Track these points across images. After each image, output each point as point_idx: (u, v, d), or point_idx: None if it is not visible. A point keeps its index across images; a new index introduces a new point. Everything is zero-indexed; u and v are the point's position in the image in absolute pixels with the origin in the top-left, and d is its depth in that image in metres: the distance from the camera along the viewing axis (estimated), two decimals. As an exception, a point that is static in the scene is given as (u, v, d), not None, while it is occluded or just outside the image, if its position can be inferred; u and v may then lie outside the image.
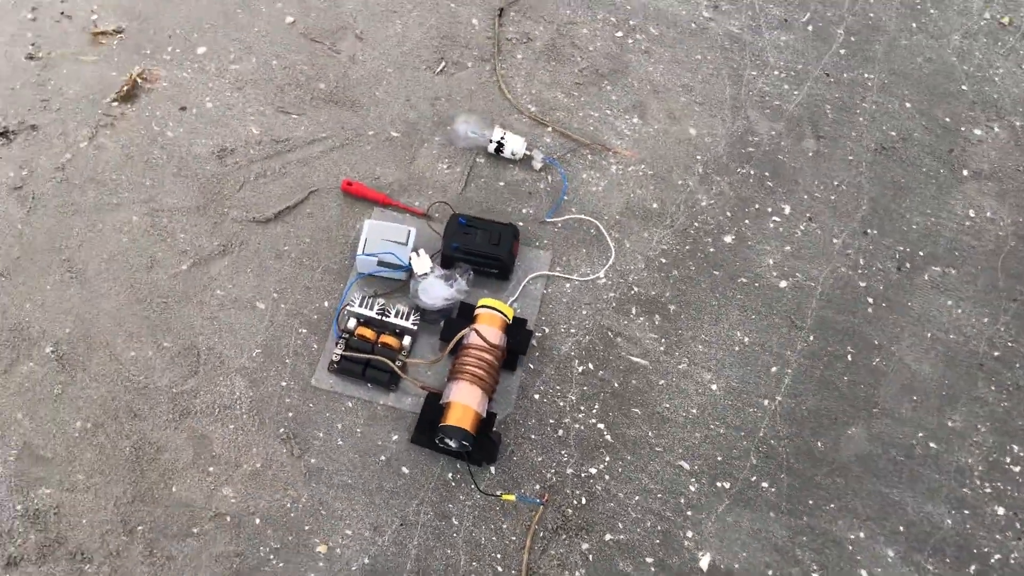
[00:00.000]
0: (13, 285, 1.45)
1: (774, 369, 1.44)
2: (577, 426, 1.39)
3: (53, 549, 1.27)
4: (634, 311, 1.49)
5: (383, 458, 1.35)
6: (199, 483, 1.32)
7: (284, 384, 1.40)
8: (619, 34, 1.78)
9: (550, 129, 1.65)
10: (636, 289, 1.51)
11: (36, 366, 1.39)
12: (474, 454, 1.32)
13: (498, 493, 1.32)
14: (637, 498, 1.34)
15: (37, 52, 1.68)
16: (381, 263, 1.44)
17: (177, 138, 1.60)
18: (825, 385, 1.43)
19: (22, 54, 1.68)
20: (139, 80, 1.65)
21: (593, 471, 1.36)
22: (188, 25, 1.74)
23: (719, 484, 1.35)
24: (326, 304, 1.47)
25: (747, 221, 1.58)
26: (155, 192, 1.55)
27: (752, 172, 1.63)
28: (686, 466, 1.37)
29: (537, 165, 1.59)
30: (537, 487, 1.34)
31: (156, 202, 1.54)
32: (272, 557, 1.28)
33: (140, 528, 1.29)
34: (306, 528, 1.30)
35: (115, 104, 1.63)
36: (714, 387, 1.43)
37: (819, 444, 1.39)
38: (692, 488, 1.35)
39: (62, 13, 1.74)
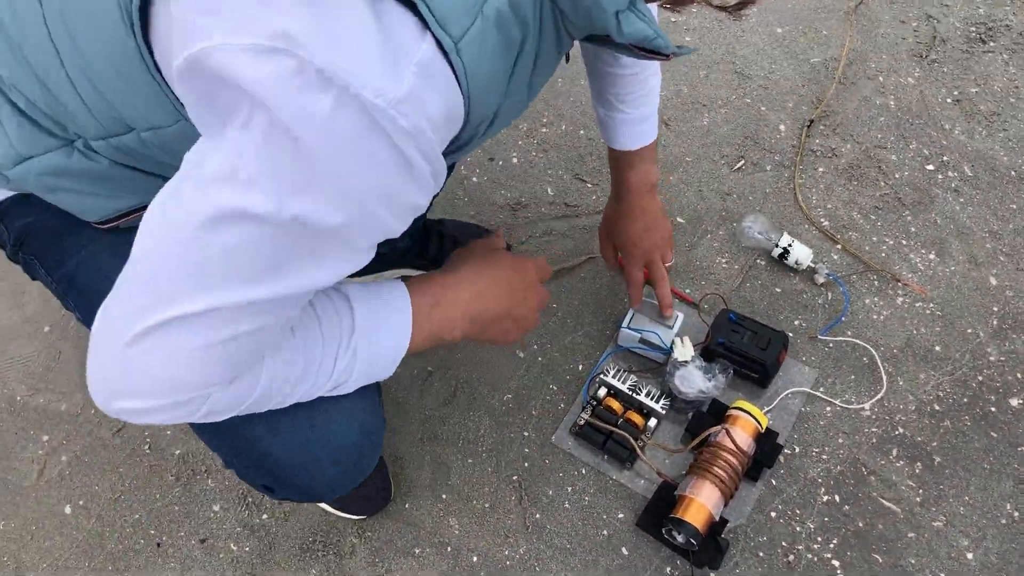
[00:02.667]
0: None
1: (1046, 556, 1.30)
2: (809, 556, 1.31)
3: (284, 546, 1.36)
4: (895, 452, 1.40)
5: (605, 533, 1.34)
6: (430, 507, 1.38)
7: (526, 435, 1.44)
8: (930, 167, 1.71)
9: (839, 247, 1.60)
10: (901, 431, 1.42)
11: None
12: (699, 555, 1.28)
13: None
14: (861, 651, 1.24)
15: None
16: (643, 341, 1.45)
17: (481, 185, 1.72)
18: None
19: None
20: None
21: (819, 608, 1.28)
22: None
23: (959, 664, 1.23)
24: (580, 368, 1.50)
25: (1041, 388, 1.45)
26: (448, 228, 1.66)
27: (1056, 337, 1.50)
28: (923, 632, 1.25)
29: (820, 279, 1.55)
30: (755, 607, 1.28)
31: (447, 238, 1.65)
32: (480, 598, 1.31)
33: (369, 535, 1.36)
34: (518, 579, 1.31)
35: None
36: (970, 556, 1.31)
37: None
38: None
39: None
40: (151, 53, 0.70)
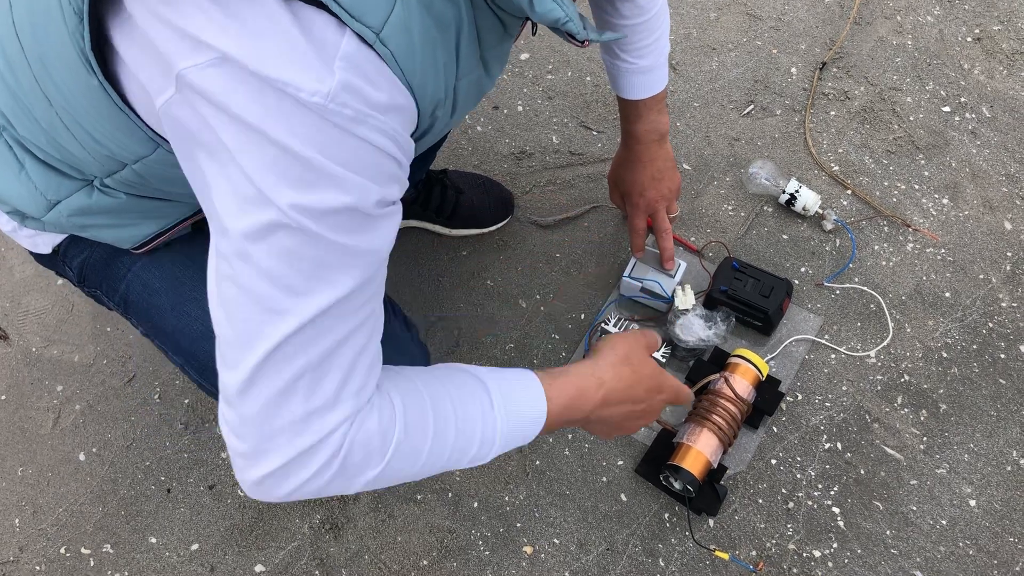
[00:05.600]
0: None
1: (1050, 503, 1.29)
2: (809, 503, 1.31)
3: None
4: (899, 400, 1.38)
5: (604, 479, 1.35)
6: (431, 454, 1.40)
7: (527, 383, 1.44)
8: (946, 109, 1.66)
9: (849, 192, 1.57)
10: (907, 378, 1.40)
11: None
12: (696, 501, 1.29)
13: (712, 547, 1.28)
14: (859, 597, 1.25)
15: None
16: (644, 290, 1.45)
17: (485, 134, 1.70)
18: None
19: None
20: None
21: (816, 554, 1.28)
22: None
23: (956, 610, 1.23)
24: (582, 317, 1.50)
25: (1053, 334, 1.42)
26: (453, 178, 1.66)
27: (1071, 283, 1.46)
28: (922, 579, 1.25)
29: (828, 226, 1.52)
30: (753, 553, 1.29)
31: (451, 188, 1.65)
32: (480, 543, 1.32)
33: (371, 480, 1.39)
34: (518, 525, 1.33)
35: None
36: (972, 503, 1.30)
37: (1088, 601, 1.22)
38: (924, 604, 1.24)
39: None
40: (116, 87, 0.74)
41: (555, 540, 1.32)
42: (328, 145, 0.64)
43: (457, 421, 0.81)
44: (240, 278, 0.68)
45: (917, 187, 1.58)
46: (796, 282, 1.49)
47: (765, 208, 1.57)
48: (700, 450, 1.29)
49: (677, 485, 1.30)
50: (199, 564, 1.35)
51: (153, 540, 1.37)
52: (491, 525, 1.34)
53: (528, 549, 1.32)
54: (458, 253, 1.58)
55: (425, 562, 1.32)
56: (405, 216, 1.56)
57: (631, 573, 1.28)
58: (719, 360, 1.41)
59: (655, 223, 1.41)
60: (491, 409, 0.83)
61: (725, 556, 1.27)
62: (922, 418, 1.37)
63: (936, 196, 1.57)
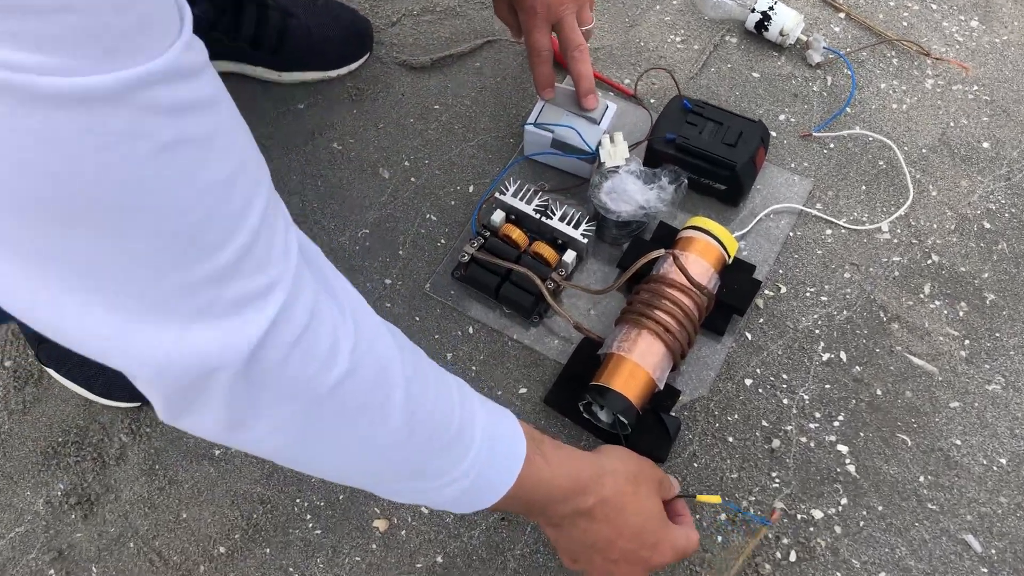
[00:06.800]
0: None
1: None
2: (804, 440, 0.87)
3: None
4: (928, 290, 0.95)
5: (498, 416, 0.90)
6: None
7: (388, 283, 0.98)
8: (965, -83, 1.23)
9: (843, 15, 1.13)
10: (936, 258, 0.97)
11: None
12: (635, 440, 0.84)
13: (691, 492, 0.84)
14: (883, 575, 0.81)
15: None
16: (557, 143, 0.99)
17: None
18: None
19: None
20: None
21: (817, 515, 0.84)
22: None
23: (1033, 591, 0.80)
24: (471, 189, 1.04)
25: None
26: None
27: None
28: (976, 545, 0.82)
29: (815, 58, 1.08)
30: (722, 517, 0.85)
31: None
32: (310, 518, 0.87)
33: (148, 430, 0.92)
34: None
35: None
36: (1043, 432, 0.87)
37: None
38: (981, 585, 0.81)
39: None
40: None
41: (423, 509, 0.87)
42: None
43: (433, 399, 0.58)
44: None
45: (935, 7, 1.14)
46: (774, 134, 1.05)
47: (728, 38, 1.12)
48: (637, 363, 0.84)
49: (604, 417, 0.85)
50: None
51: None
52: (326, 492, 0.88)
53: (381, 524, 0.86)
54: (292, 107, 1.11)
55: (223, 549, 0.86)
56: (214, 55, 1.08)
57: (536, 551, 0.84)
58: (667, 240, 0.96)
59: (562, 38, 0.96)
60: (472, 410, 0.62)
61: (716, 500, 0.81)
62: (961, 313, 0.93)
63: (962, 18, 1.13)
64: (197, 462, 0.90)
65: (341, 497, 0.88)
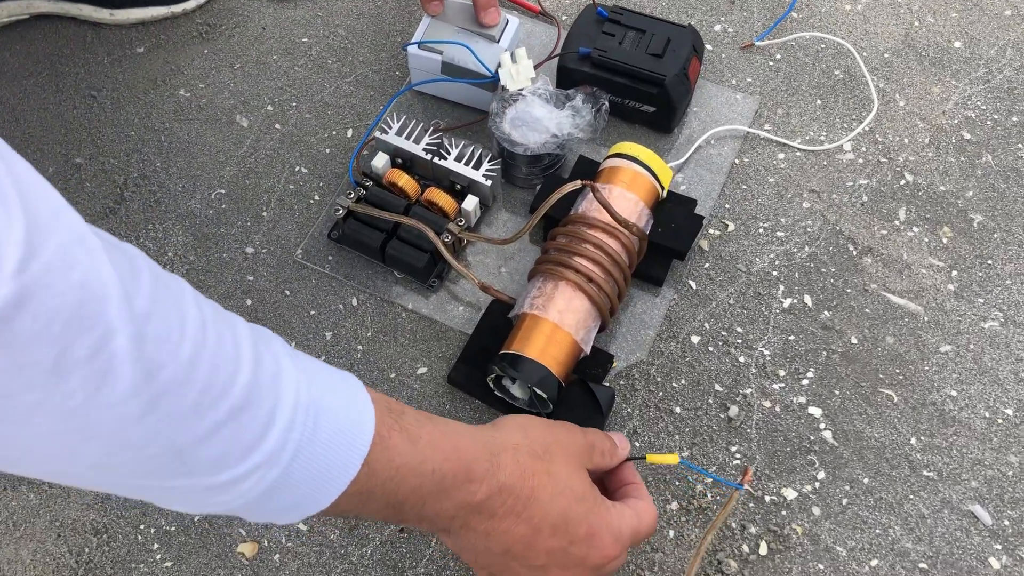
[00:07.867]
0: None
1: None
2: (768, 404, 0.71)
3: None
4: (903, 215, 0.79)
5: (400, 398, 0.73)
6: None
7: (250, 252, 0.80)
8: None
9: (780, -92, 0.97)
10: (910, 178, 0.81)
11: None
12: (559, 417, 0.67)
13: (643, 455, 0.66)
14: (876, 563, 0.65)
15: None
16: (448, 67, 0.82)
17: None
18: None
19: None
20: None
21: (790, 495, 0.68)
22: None
23: (1059, 570, 0.64)
24: (349, 134, 0.86)
25: None
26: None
27: None
28: (984, 516, 0.66)
29: (750, -46, 0.92)
30: (674, 506, 0.68)
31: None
32: (157, 548, 0.68)
33: None
34: (224, 506, 0.69)
35: None
36: (1052, 375, 0.72)
37: None
38: (993, 563, 0.64)
39: None
40: None
41: (301, 526, 0.69)
42: None
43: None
44: None
45: None
46: (710, 47, 0.88)
47: (648, -58, 0.96)
48: (556, 323, 0.67)
49: (519, 392, 0.68)
50: None
51: None
52: (178, 515, 0.70)
53: (247, 548, 0.68)
54: (129, 51, 0.92)
55: (43, 598, 0.68)
56: (26, -10, 0.90)
57: (445, 568, 0.66)
58: (588, 173, 0.79)
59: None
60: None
61: (672, 459, 0.63)
62: (944, 240, 0.78)
63: (917, -96, 0.98)
64: (13, 488, 0.71)
65: (196, 519, 0.69)
